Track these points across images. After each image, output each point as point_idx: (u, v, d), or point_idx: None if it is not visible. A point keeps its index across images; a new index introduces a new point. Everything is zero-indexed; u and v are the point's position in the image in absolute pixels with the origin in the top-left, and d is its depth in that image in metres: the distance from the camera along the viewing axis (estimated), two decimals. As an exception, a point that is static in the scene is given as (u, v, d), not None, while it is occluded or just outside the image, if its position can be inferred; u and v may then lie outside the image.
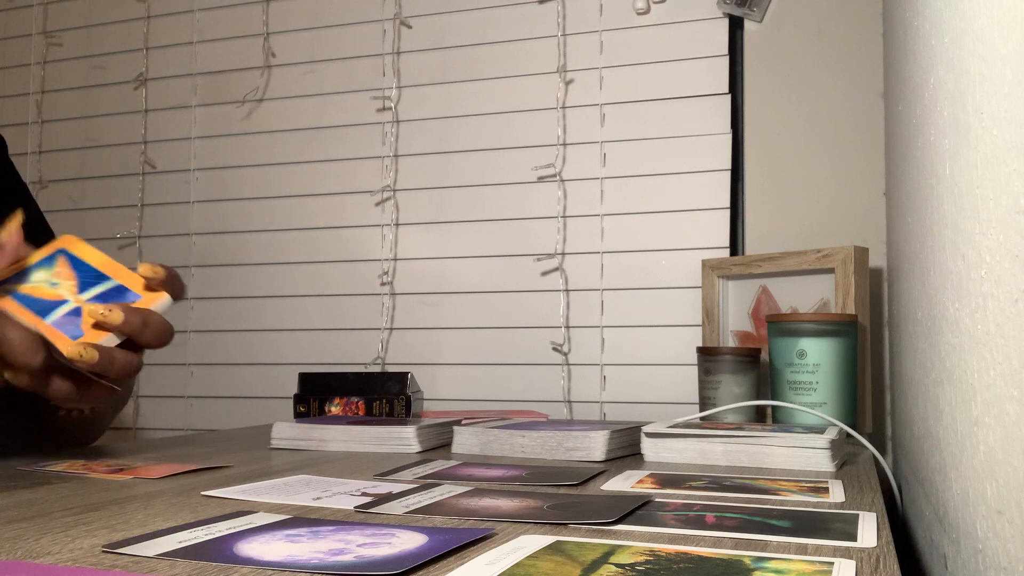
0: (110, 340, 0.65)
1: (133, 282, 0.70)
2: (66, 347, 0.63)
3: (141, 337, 0.67)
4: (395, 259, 1.36)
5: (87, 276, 0.69)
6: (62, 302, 0.66)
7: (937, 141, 0.54)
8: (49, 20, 1.57)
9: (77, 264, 0.69)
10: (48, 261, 0.69)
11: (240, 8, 1.46)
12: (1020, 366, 0.33)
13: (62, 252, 0.70)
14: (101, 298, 0.68)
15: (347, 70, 1.40)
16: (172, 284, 0.70)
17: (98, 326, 0.65)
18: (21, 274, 0.68)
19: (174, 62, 1.49)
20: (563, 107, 1.29)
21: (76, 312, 0.66)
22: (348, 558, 0.38)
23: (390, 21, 1.38)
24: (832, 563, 0.39)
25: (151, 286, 0.69)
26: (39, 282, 0.67)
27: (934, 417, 0.57)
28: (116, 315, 0.65)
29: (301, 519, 0.47)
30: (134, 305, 0.67)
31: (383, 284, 1.36)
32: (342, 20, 1.40)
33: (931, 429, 0.59)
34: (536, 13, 1.31)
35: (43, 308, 0.66)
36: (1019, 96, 0.32)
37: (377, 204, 1.37)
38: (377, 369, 1.34)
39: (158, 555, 0.39)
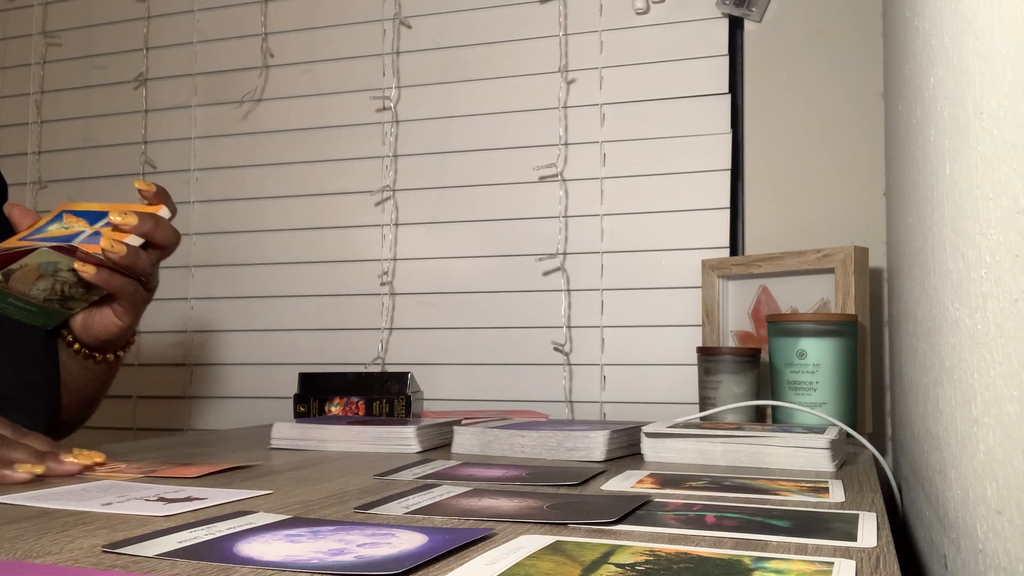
0: (133, 240, 0.77)
1: (132, 208, 0.80)
2: (100, 246, 0.74)
3: (156, 235, 0.78)
4: (395, 259, 1.36)
5: (92, 217, 0.80)
6: (81, 231, 0.78)
7: (937, 141, 0.53)
8: (49, 20, 1.57)
9: (80, 213, 0.80)
10: (56, 219, 0.79)
11: (240, 8, 1.46)
12: (1020, 366, 0.33)
13: (64, 211, 0.81)
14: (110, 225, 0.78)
15: (347, 70, 1.40)
16: (165, 198, 0.81)
17: (116, 231, 0.77)
18: (37, 231, 0.78)
19: (174, 62, 1.49)
20: (565, 107, 1.28)
21: (95, 235, 0.77)
22: (348, 558, 0.38)
23: (390, 21, 1.38)
24: (832, 563, 0.39)
25: (148, 200, 0.80)
26: (55, 231, 0.78)
27: (934, 417, 0.57)
28: (132, 218, 0.77)
29: (301, 519, 0.47)
30: None
31: (383, 284, 1.36)
32: (342, 20, 1.40)
33: (931, 429, 0.59)
34: (537, 13, 1.31)
35: (67, 239, 0.77)
36: (1019, 96, 0.32)
37: (377, 204, 1.37)
38: (377, 369, 1.34)
39: (158, 555, 0.39)
